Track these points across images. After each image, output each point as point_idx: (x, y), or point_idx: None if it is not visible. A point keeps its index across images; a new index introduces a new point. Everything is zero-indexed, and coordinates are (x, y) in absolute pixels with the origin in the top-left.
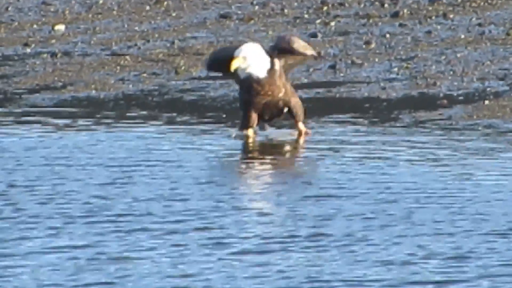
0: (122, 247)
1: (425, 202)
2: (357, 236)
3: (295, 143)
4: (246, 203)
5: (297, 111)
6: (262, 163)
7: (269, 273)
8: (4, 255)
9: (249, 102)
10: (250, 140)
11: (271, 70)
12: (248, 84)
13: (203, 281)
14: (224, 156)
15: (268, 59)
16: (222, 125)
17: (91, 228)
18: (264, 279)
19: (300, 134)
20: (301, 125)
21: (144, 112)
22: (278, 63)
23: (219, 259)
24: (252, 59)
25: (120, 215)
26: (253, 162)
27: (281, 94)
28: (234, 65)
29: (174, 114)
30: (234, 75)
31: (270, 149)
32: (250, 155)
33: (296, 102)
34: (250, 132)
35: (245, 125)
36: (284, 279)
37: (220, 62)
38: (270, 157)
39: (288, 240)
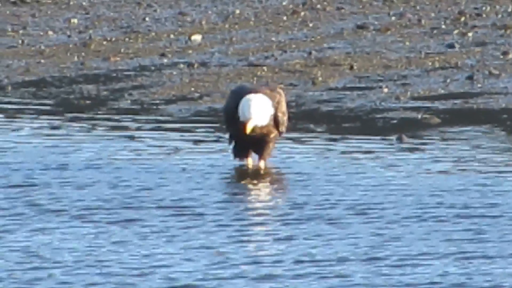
0: None
1: None
2: None
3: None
4: None
5: (271, 150)
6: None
7: None
8: None
9: (241, 141)
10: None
11: (273, 115)
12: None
13: None
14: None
15: (271, 104)
16: (360, 135)
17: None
18: None
19: (259, 168)
20: (262, 163)
21: None
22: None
23: None
24: (259, 115)
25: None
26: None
27: (272, 135)
28: (248, 129)
29: (311, 125)
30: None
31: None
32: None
33: (273, 145)
34: (249, 161)
35: (242, 156)
36: None
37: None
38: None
39: None
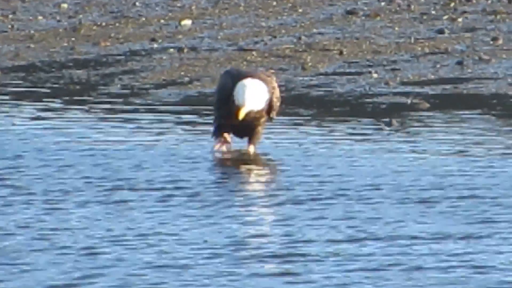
0: None
1: None
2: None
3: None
4: None
5: (260, 136)
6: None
7: None
8: None
9: (227, 125)
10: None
11: (268, 100)
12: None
13: None
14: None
15: (267, 90)
16: (349, 120)
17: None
18: None
19: (248, 153)
20: (251, 148)
21: None
22: (275, 90)
23: None
24: (254, 101)
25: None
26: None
27: (263, 119)
28: (241, 115)
29: (301, 110)
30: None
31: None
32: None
33: (262, 130)
34: (228, 137)
35: (222, 134)
36: None
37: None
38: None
39: None
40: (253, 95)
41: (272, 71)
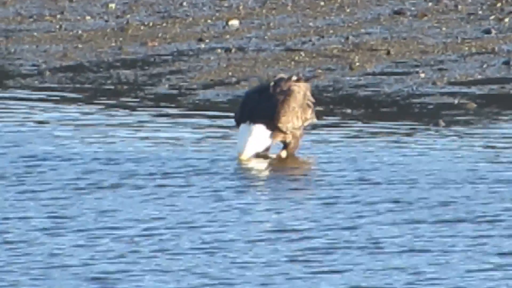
0: None
1: None
2: None
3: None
4: None
5: (293, 147)
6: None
7: None
8: None
9: None
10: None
11: (275, 135)
12: None
13: None
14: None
15: (267, 135)
16: (396, 119)
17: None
18: None
19: (279, 157)
20: (284, 153)
21: (320, 108)
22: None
23: None
24: (253, 148)
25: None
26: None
27: (288, 139)
28: (244, 158)
29: (349, 110)
30: None
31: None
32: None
33: (295, 142)
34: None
35: None
36: None
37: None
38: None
39: None
40: (252, 145)
41: (319, 70)
